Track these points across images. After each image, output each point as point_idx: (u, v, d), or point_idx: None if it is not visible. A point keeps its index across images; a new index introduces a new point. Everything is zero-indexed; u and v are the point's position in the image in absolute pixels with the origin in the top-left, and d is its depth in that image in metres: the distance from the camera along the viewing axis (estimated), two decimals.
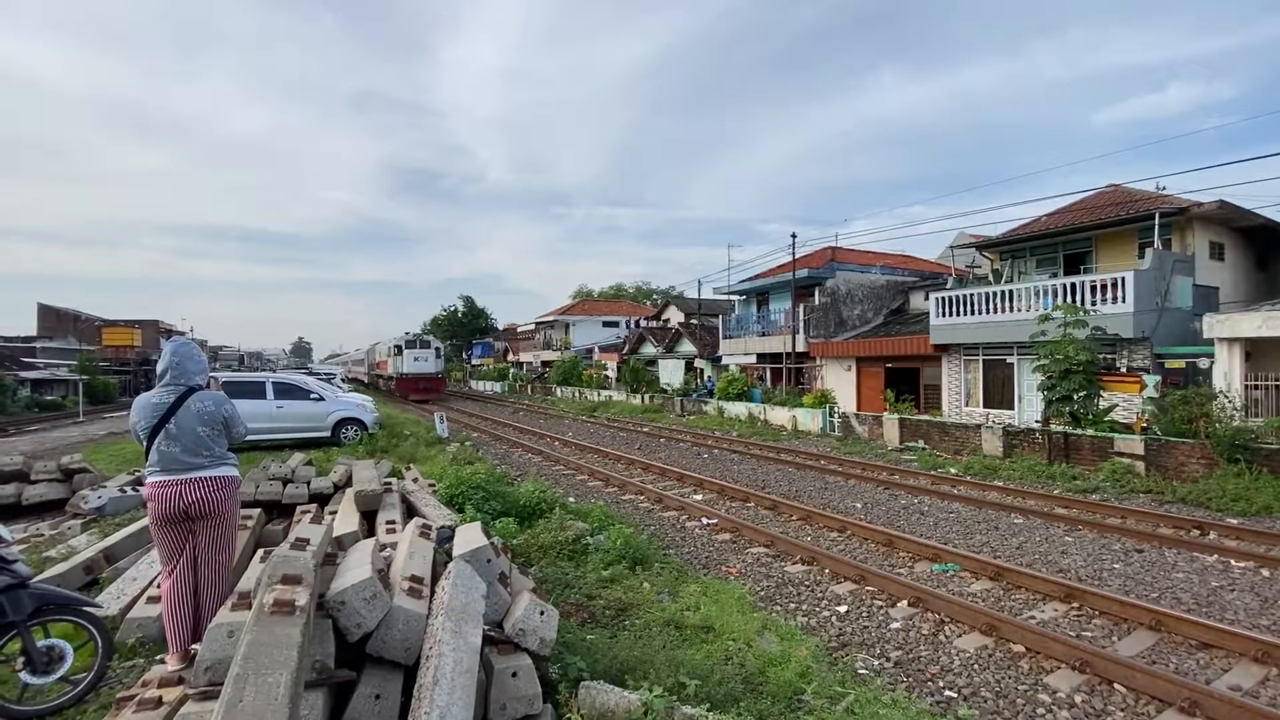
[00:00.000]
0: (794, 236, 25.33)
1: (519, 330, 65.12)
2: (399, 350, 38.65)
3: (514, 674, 3.07)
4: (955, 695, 4.55)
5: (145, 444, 3.55)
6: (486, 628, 3.28)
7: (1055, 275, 17.92)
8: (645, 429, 22.06)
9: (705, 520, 9.39)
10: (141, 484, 3.78)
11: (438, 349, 39.97)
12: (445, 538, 4.60)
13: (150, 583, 4.74)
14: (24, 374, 43.08)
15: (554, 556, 6.62)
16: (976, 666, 4.93)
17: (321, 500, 7.36)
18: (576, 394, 37.37)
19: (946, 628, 5.61)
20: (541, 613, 3.43)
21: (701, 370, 32.29)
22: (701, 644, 4.72)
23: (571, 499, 10.00)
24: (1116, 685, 4.54)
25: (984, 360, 17.97)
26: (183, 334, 61.62)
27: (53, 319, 60.88)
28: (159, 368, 3.69)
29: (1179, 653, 5.07)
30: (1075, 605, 5.98)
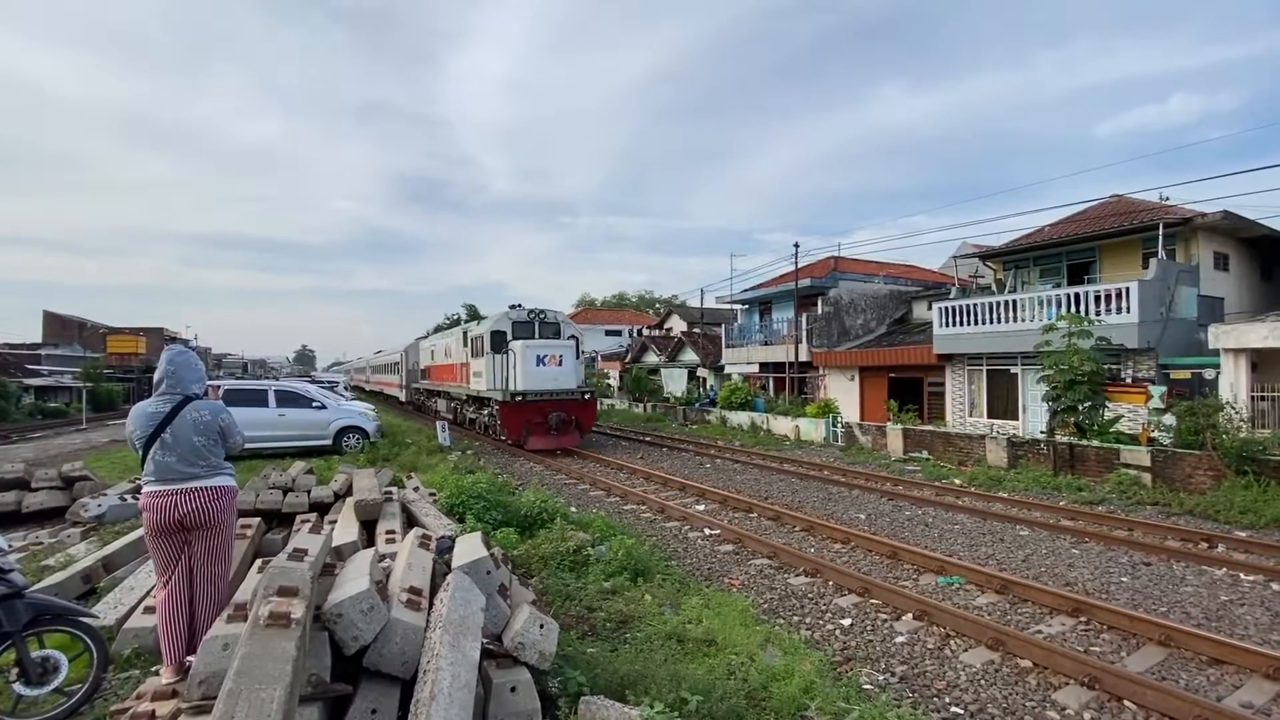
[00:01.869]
0: (797, 246, 25.35)
1: None
2: (498, 342, 18.89)
3: (513, 689, 3.03)
4: (961, 712, 4.48)
5: (141, 453, 3.52)
6: (485, 641, 3.24)
7: (1059, 285, 17.90)
8: (647, 438, 21.99)
9: (708, 531, 9.32)
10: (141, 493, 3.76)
11: (576, 338, 19.76)
12: (445, 548, 4.56)
13: (148, 592, 4.71)
14: (29, 381, 43.24)
15: (555, 567, 6.57)
16: (983, 682, 4.86)
17: (322, 509, 7.33)
18: None
19: (952, 642, 5.53)
20: (541, 626, 3.39)
21: (704, 379, 32.25)
22: (704, 658, 4.66)
23: (573, 509, 9.94)
24: (1126, 702, 4.47)
25: (988, 370, 17.90)
26: (185, 341, 61.86)
27: (58, 326, 61.19)
28: (156, 376, 3.68)
29: (1189, 668, 4.99)
30: (1083, 619, 5.90)
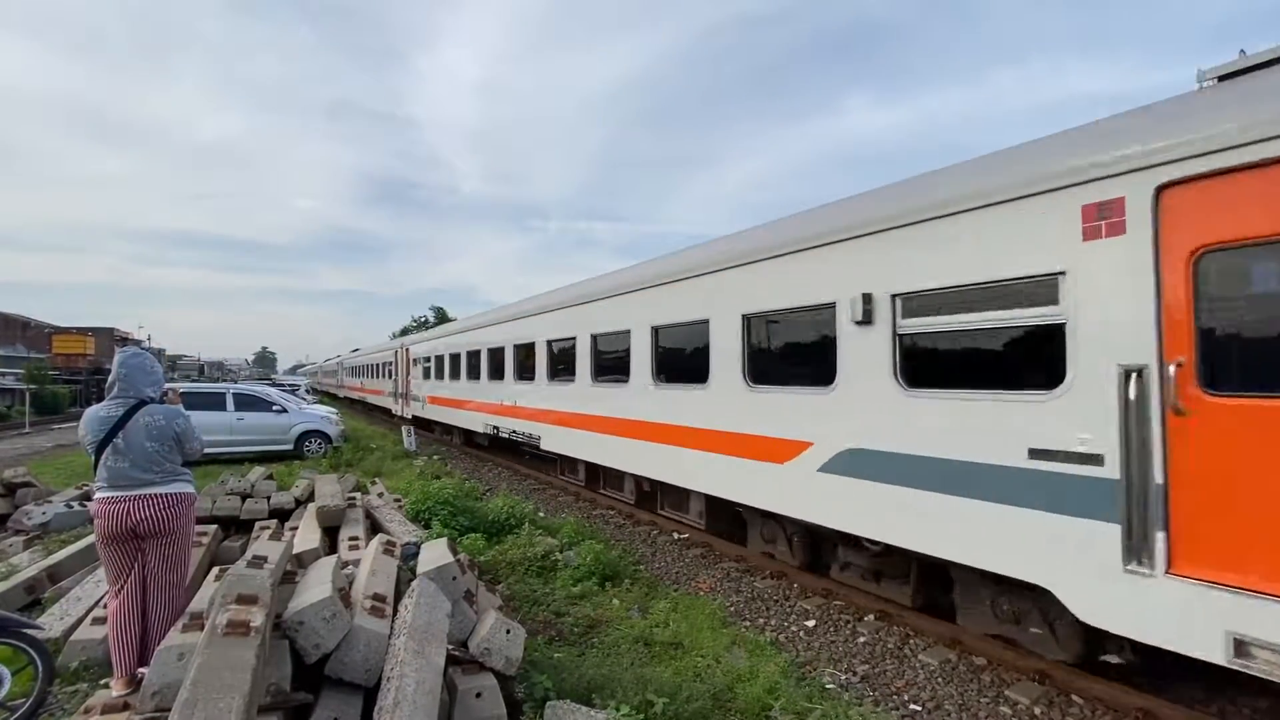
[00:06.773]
0: None
1: None
2: None
3: (478, 694, 3.02)
4: (920, 709, 4.60)
5: (94, 459, 3.42)
6: (451, 647, 3.22)
7: None
8: None
9: (676, 535, 9.37)
10: (90, 499, 3.63)
11: None
12: (410, 554, 4.51)
13: (96, 603, 4.55)
14: None
15: (522, 573, 6.54)
16: (940, 680, 4.99)
17: (282, 516, 7.16)
18: None
19: (912, 641, 5.67)
20: (508, 631, 3.38)
21: None
22: (670, 661, 4.69)
23: (542, 513, 9.89)
24: (1074, 696, 4.65)
25: None
26: (139, 343, 59.64)
27: None
28: (109, 380, 3.57)
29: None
30: None
